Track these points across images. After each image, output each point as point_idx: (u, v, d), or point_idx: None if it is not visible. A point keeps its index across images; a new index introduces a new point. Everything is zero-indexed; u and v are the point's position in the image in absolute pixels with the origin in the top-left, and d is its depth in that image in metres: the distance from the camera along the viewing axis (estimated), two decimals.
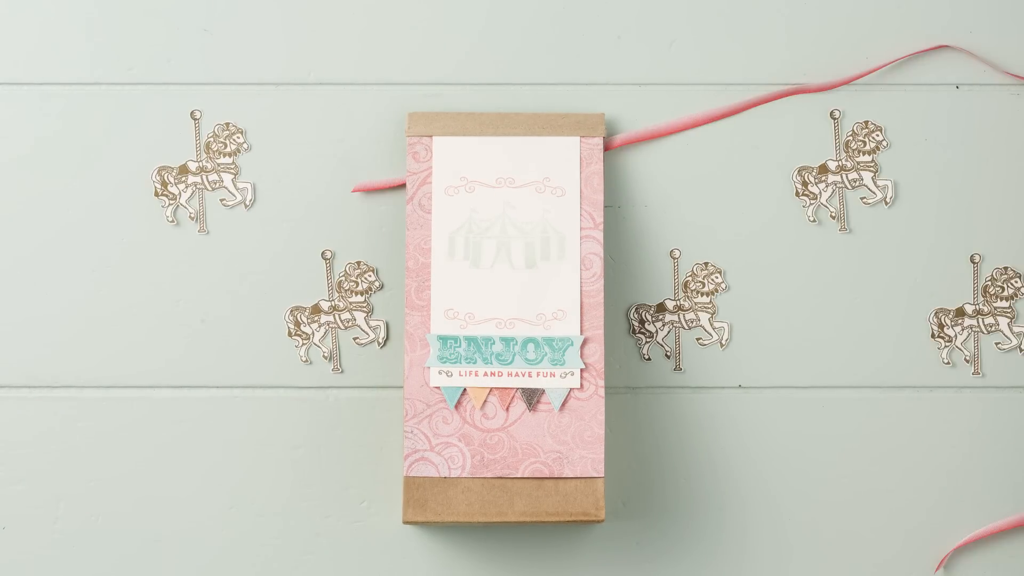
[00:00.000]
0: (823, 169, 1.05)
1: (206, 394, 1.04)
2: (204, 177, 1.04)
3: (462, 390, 1.00)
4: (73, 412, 1.03)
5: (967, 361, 1.04)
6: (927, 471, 1.04)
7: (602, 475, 0.99)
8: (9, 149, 1.05)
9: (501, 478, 0.99)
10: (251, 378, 1.04)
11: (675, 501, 1.03)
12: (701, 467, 1.03)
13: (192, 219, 1.05)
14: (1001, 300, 1.04)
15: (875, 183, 1.05)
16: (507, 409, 0.99)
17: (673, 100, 1.06)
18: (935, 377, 1.04)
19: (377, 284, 1.04)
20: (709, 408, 1.04)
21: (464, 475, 0.99)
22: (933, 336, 1.04)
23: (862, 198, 1.05)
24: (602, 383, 1.00)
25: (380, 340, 1.04)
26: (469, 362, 1.00)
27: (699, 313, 1.04)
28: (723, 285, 1.05)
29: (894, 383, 1.04)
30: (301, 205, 1.05)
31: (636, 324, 1.04)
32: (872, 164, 1.05)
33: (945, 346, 1.04)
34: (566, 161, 1.03)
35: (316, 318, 1.04)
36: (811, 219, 1.05)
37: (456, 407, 0.99)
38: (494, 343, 1.00)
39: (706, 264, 1.05)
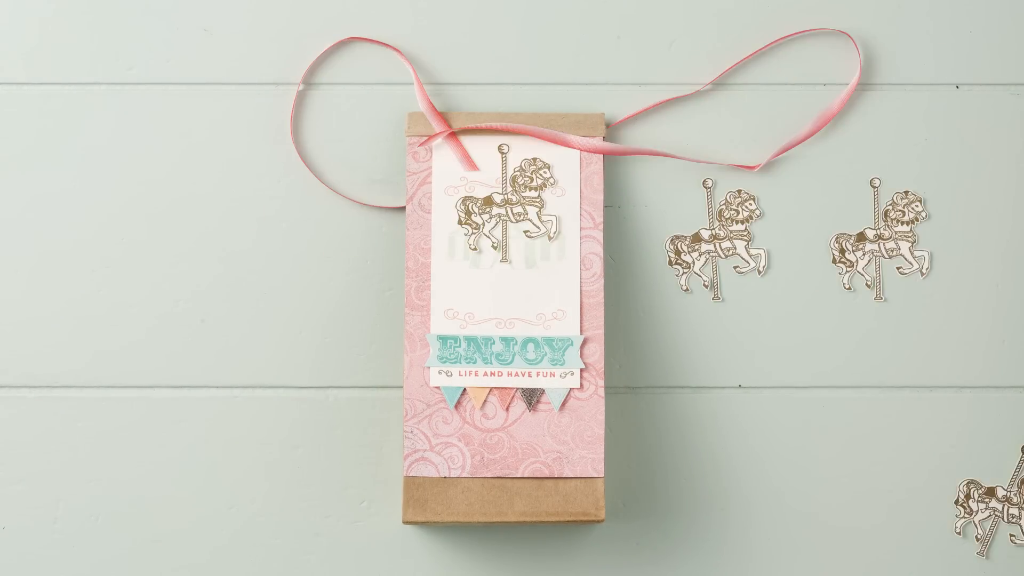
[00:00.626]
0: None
1: (206, 394, 1.04)
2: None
3: (462, 390, 1.00)
4: (73, 412, 1.03)
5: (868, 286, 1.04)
6: (927, 471, 1.04)
7: (602, 475, 0.99)
8: (9, 149, 1.05)
9: (501, 478, 0.99)
10: (251, 378, 1.04)
11: (675, 501, 1.03)
12: (701, 467, 1.03)
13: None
14: (902, 224, 1.05)
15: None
16: (507, 409, 0.99)
17: (673, 100, 1.06)
18: (935, 377, 1.04)
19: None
20: (709, 408, 1.04)
21: (464, 475, 0.99)
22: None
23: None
24: (602, 383, 1.00)
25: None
26: (469, 362, 1.00)
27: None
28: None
29: (894, 383, 1.04)
30: (297, 204, 1.05)
31: (672, 256, 1.04)
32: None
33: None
34: (566, 161, 1.03)
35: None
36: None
37: (456, 407, 0.99)
38: (494, 343, 1.00)
39: None
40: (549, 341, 1.00)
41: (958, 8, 1.07)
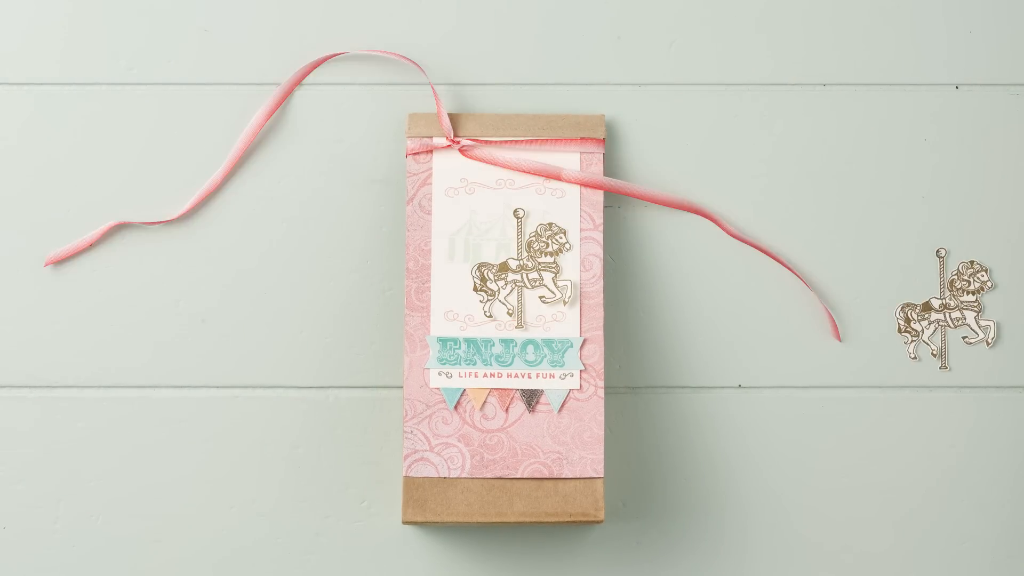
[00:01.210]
0: None
1: (206, 394, 1.04)
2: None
3: (462, 391, 1.00)
4: (73, 412, 1.03)
5: (933, 356, 1.04)
6: (926, 470, 1.04)
7: (601, 476, 0.99)
8: (9, 148, 1.05)
9: (501, 479, 0.99)
10: (251, 378, 1.04)
11: (675, 501, 1.03)
12: (701, 467, 1.03)
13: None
14: (967, 294, 1.05)
15: None
16: (507, 410, 1.00)
17: (673, 101, 1.06)
18: (934, 377, 1.04)
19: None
20: (709, 408, 1.04)
21: (464, 475, 0.99)
22: (899, 331, 1.04)
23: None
24: (601, 384, 1.00)
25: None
26: (469, 364, 1.00)
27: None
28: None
29: (894, 383, 1.04)
30: (297, 204, 1.05)
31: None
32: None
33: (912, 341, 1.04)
34: (566, 162, 1.03)
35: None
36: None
37: (456, 408, 0.99)
38: (493, 345, 1.00)
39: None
40: (549, 343, 1.00)
41: (958, 8, 1.07)
